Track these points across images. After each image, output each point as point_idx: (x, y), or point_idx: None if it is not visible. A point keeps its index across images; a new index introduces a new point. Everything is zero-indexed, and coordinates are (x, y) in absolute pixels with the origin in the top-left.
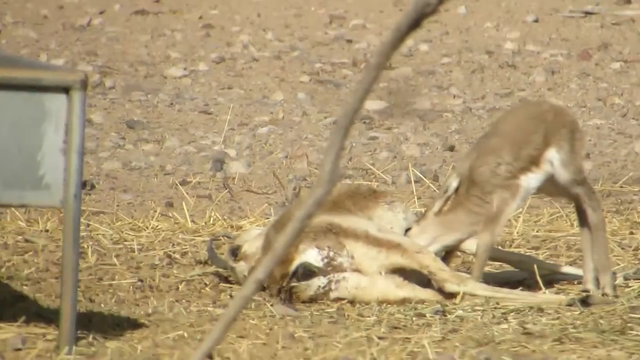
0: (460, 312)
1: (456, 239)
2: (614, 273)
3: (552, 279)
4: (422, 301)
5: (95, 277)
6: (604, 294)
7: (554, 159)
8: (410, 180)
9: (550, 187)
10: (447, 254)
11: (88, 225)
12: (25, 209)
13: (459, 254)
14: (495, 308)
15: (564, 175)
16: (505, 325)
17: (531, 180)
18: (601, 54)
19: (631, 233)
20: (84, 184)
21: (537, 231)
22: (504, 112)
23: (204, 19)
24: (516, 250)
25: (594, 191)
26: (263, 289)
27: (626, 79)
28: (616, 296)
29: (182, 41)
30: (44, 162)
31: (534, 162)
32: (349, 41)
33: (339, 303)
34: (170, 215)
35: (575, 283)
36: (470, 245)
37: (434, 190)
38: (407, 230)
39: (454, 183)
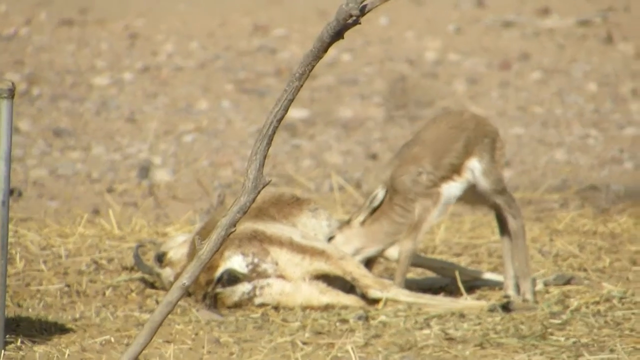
0: (383, 318)
1: (380, 249)
2: (534, 279)
3: (474, 285)
4: (346, 307)
5: (23, 282)
6: (524, 300)
7: (475, 168)
8: (333, 187)
9: (471, 196)
10: (369, 261)
11: (16, 231)
12: None
13: (381, 260)
14: (417, 314)
15: (484, 185)
16: (427, 331)
17: (452, 188)
18: (521, 64)
19: (551, 240)
20: (11, 191)
21: (459, 238)
22: (427, 122)
23: (129, 28)
24: (438, 257)
25: (514, 199)
26: (189, 294)
27: (546, 88)
28: (537, 302)
29: (107, 50)
30: None
31: (456, 170)
32: (273, 51)
33: (263, 308)
34: (97, 222)
35: (497, 289)
36: (392, 252)
37: (357, 198)
38: (330, 239)
39: (380, 194)
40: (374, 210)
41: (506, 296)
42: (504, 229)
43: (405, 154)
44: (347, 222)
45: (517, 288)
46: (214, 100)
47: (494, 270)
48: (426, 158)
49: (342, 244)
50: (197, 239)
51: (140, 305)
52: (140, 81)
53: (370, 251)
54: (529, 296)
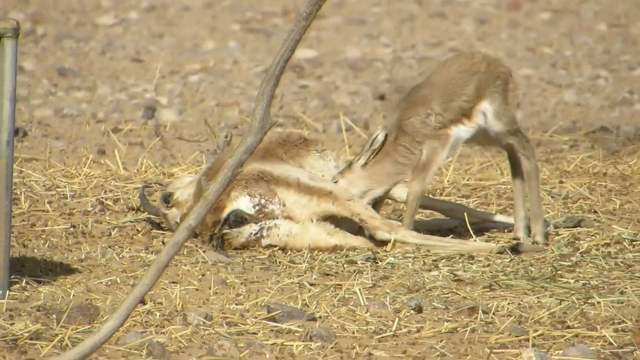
0: (391, 260)
1: (384, 190)
2: (546, 222)
3: (483, 226)
4: (354, 248)
5: (28, 223)
6: (534, 242)
7: (486, 111)
8: (341, 128)
9: (483, 138)
10: (376, 203)
11: (21, 172)
12: None
13: (389, 201)
14: (426, 255)
15: (496, 127)
16: (435, 273)
17: (461, 132)
18: (530, 4)
19: (561, 182)
20: (16, 131)
21: (468, 180)
22: (438, 64)
23: None
24: (447, 198)
25: (528, 140)
26: (195, 235)
27: (555, 29)
28: (546, 244)
29: None
30: None
31: (466, 115)
32: None
33: (270, 250)
34: (103, 162)
35: (506, 231)
36: (400, 193)
37: (365, 139)
38: (334, 182)
39: (380, 135)
40: (375, 152)
41: (516, 238)
42: (516, 170)
43: (413, 96)
44: (349, 166)
45: (528, 230)
46: (221, 41)
47: (503, 211)
48: (435, 100)
49: (346, 187)
50: (204, 180)
51: (146, 246)
52: (145, 21)
53: (375, 193)
54: (539, 238)
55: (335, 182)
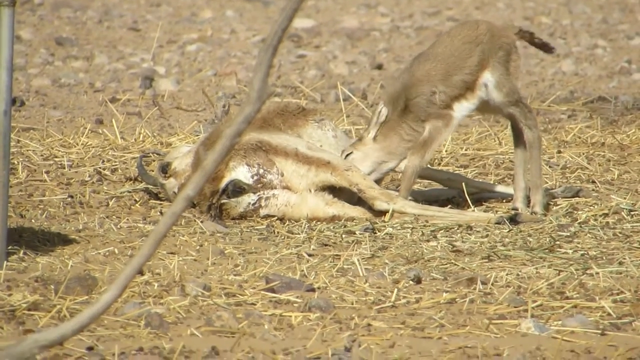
0: (389, 230)
1: (396, 164)
2: (546, 192)
3: (481, 197)
4: (352, 219)
5: (26, 193)
6: (533, 212)
7: (488, 81)
8: (339, 98)
9: (484, 107)
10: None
11: (18, 141)
12: None
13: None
14: (424, 226)
15: (497, 97)
16: (434, 243)
17: (464, 109)
18: None
19: (559, 152)
20: (13, 101)
21: (466, 150)
22: (442, 34)
23: None
24: (445, 168)
25: (530, 110)
26: (193, 205)
27: None
28: (544, 214)
29: None
30: None
31: (469, 87)
32: None
33: (268, 220)
34: (100, 132)
35: (504, 201)
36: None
37: (363, 108)
38: (347, 156)
39: (384, 109)
40: (382, 125)
41: (514, 208)
42: (519, 140)
43: (417, 71)
44: (360, 139)
45: (527, 201)
46: (218, 10)
47: (501, 181)
48: (439, 75)
49: (361, 160)
50: (202, 149)
51: (144, 217)
52: None
53: (389, 165)
54: (538, 208)
55: (349, 154)
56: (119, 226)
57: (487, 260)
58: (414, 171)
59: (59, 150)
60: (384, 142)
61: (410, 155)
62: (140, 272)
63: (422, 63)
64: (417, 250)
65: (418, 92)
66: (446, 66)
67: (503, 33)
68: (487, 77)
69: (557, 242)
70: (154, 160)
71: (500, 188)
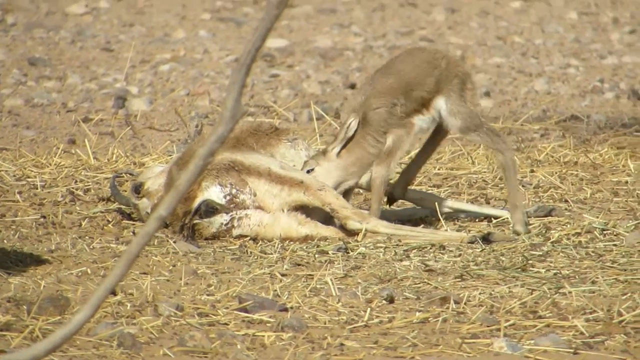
0: (362, 249)
1: (355, 182)
2: (526, 212)
3: (454, 216)
4: (325, 238)
5: None
6: (515, 232)
7: (441, 108)
8: (312, 117)
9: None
10: (346, 192)
11: None
12: None
13: (360, 191)
14: (397, 245)
15: (453, 123)
16: (407, 262)
17: (421, 122)
18: None
19: (532, 171)
20: None
21: (439, 169)
22: (400, 53)
23: None
24: (418, 187)
25: (498, 133)
26: (166, 225)
27: (526, 17)
28: (517, 233)
29: None
30: None
31: (425, 105)
32: None
33: (241, 240)
34: (73, 152)
35: (477, 220)
36: (364, 180)
37: (336, 128)
38: (309, 172)
39: (353, 123)
40: (349, 140)
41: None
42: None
43: (378, 84)
44: (323, 154)
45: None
46: (191, 30)
47: (474, 201)
48: (400, 89)
49: (322, 176)
50: (175, 169)
51: (117, 237)
52: (116, 9)
53: (349, 184)
54: (519, 227)
55: (311, 169)
56: (91, 246)
57: (460, 279)
58: (382, 181)
59: (32, 171)
60: (348, 157)
61: (376, 166)
62: (113, 293)
63: (383, 77)
64: (390, 270)
65: (379, 104)
66: (407, 81)
67: (458, 62)
68: (442, 103)
69: (530, 261)
70: (126, 181)
71: (472, 207)
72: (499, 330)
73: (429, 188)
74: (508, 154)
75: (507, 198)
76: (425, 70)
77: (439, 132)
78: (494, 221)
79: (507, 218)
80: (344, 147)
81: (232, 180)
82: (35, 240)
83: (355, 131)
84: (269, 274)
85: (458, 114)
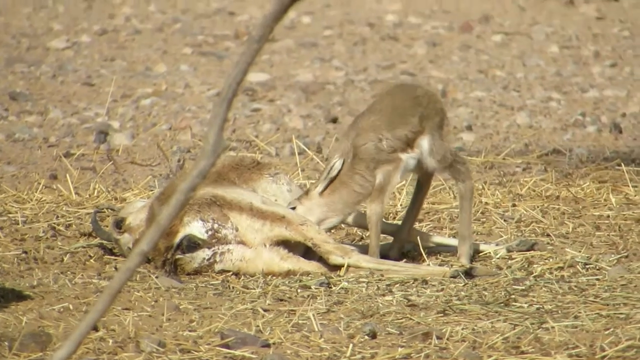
0: (344, 284)
1: (339, 220)
2: (472, 244)
3: (436, 250)
4: (307, 273)
5: None
6: (461, 265)
7: (423, 146)
8: (294, 151)
9: (420, 169)
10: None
11: None
12: None
13: (343, 226)
14: (379, 280)
15: (430, 163)
16: (389, 297)
17: (408, 157)
18: (482, 26)
19: (514, 205)
20: None
21: None
22: (381, 93)
23: None
24: (400, 222)
25: (464, 162)
26: (148, 261)
27: (507, 51)
28: (500, 268)
29: (64, 13)
30: None
31: (409, 144)
32: (231, 13)
33: (224, 275)
34: (55, 187)
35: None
36: (351, 216)
37: (318, 162)
38: (292, 209)
39: (337, 163)
40: (332, 180)
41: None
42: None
43: (363, 123)
44: (306, 193)
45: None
46: (173, 64)
47: (456, 235)
48: (384, 126)
49: (304, 215)
50: (156, 204)
51: (98, 272)
52: (97, 44)
53: (332, 221)
54: (464, 260)
55: (293, 209)
56: (73, 282)
57: (442, 314)
58: (378, 218)
59: (13, 206)
60: (331, 196)
61: (370, 204)
62: (95, 328)
63: (367, 116)
64: (373, 305)
65: (366, 139)
66: (391, 119)
67: (437, 98)
68: (424, 141)
69: (513, 296)
70: (108, 216)
71: (454, 241)
72: None
73: None
74: (468, 183)
75: (458, 228)
76: (409, 108)
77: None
78: (476, 256)
79: (490, 252)
80: (327, 186)
81: (214, 215)
82: (17, 276)
83: (340, 171)
84: (252, 309)
85: (437, 155)
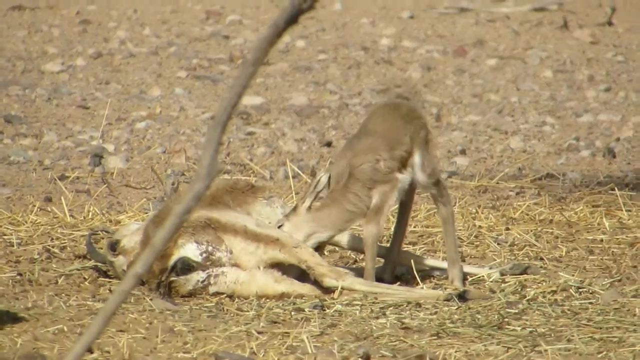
0: (338, 307)
1: (329, 235)
2: (462, 266)
3: (429, 274)
4: (301, 296)
5: None
6: (454, 288)
7: (415, 163)
8: (288, 175)
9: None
10: (319, 247)
11: None
12: None
13: (336, 249)
14: (373, 303)
15: (421, 178)
16: (383, 320)
17: (403, 178)
18: (477, 51)
19: (507, 229)
20: None
21: (415, 227)
22: (369, 114)
23: (81, 14)
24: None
25: (445, 187)
26: (142, 283)
27: (501, 75)
28: (493, 291)
29: (59, 37)
30: None
31: (404, 164)
32: (226, 37)
33: (218, 297)
34: (49, 209)
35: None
36: (346, 239)
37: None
38: (279, 227)
39: (323, 178)
40: (318, 194)
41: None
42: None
43: (359, 145)
44: (294, 209)
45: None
46: (167, 87)
47: None
48: (382, 148)
49: (292, 230)
50: (151, 227)
51: (93, 294)
52: (92, 67)
53: (320, 236)
54: (457, 283)
55: (281, 225)
56: (68, 304)
57: (436, 337)
58: (374, 240)
59: (8, 228)
60: (320, 212)
61: (367, 225)
62: (90, 350)
63: (363, 138)
64: (367, 328)
65: (363, 160)
66: (387, 140)
67: (419, 113)
68: (416, 158)
69: (506, 319)
70: (102, 238)
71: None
72: None
73: (405, 245)
74: (449, 207)
75: (447, 253)
76: (400, 128)
77: (410, 190)
78: (470, 279)
79: (484, 276)
80: (314, 200)
81: (208, 237)
82: (11, 298)
83: (329, 187)
84: (246, 331)
85: (427, 169)
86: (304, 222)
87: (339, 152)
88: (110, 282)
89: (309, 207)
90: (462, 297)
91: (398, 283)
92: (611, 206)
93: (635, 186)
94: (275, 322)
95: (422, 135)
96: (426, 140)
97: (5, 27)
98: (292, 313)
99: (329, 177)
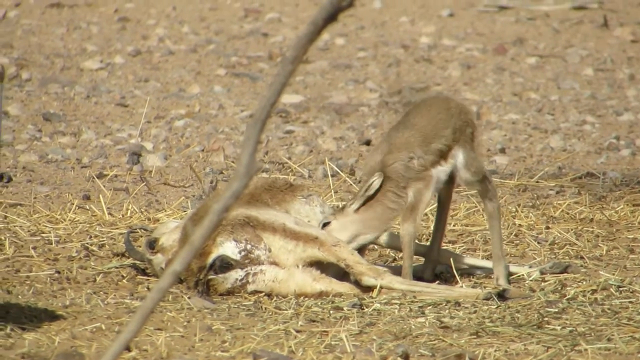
0: (377, 306)
1: (375, 236)
2: (508, 264)
3: (469, 272)
4: (340, 294)
5: (13, 269)
6: (498, 285)
7: (457, 158)
8: (327, 174)
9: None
10: (361, 248)
11: (5, 217)
12: None
13: (375, 247)
14: (412, 302)
15: (465, 176)
16: (422, 319)
17: (440, 173)
18: (516, 49)
19: (547, 227)
20: (1, 177)
21: (454, 225)
22: (413, 106)
23: (120, 12)
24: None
25: (491, 182)
26: (180, 281)
27: (541, 73)
28: (533, 290)
29: (98, 34)
30: None
31: (443, 156)
32: (265, 35)
33: (256, 296)
34: (88, 207)
35: (492, 277)
36: (384, 238)
37: (351, 184)
38: (325, 225)
39: (376, 182)
40: (369, 198)
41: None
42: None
43: (395, 139)
44: (341, 209)
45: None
46: (206, 85)
47: (490, 257)
48: (417, 143)
49: (337, 230)
50: (189, 225)
51: (131, 292)
52: (131, 65)
53: (366, 238)
54: (502, 281)
55: (327, 224)
56: (106, 302)
57: (475, 336)
58: (411, 238)
59: (46, 226)
60: (366, 213)
61: (403, 224)
62: (128, 349)
63: (400, 132)
64: (405, 326)
65: (396, 158)
66: (424, 134)
67: (468, 110)
68: (458, 153)
69: (546, 318)
70: (141, 236)
71: (487, 263)
72: None
73: (444, 244)
74: (495, 202)
75: (492, 250)
76: (442, 121)
77: (448, 186)
78: (510, 278)
79: (524, 274)
80: (363, 204)
81: (247, 235)
82: (49, 296)
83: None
84: (284, 330)
85: (471, 167)
86: (351, 223)
87: (377, 143)
88: (148, 280)
89: (357, 209)
90: (502, 296)
91: (437, 282)
92: None
93: None
94: (313, 321)
95: (468, 132)
96: (472, 138)
97: (44, 24)
98: (331, 312)
99: (382, 181)
